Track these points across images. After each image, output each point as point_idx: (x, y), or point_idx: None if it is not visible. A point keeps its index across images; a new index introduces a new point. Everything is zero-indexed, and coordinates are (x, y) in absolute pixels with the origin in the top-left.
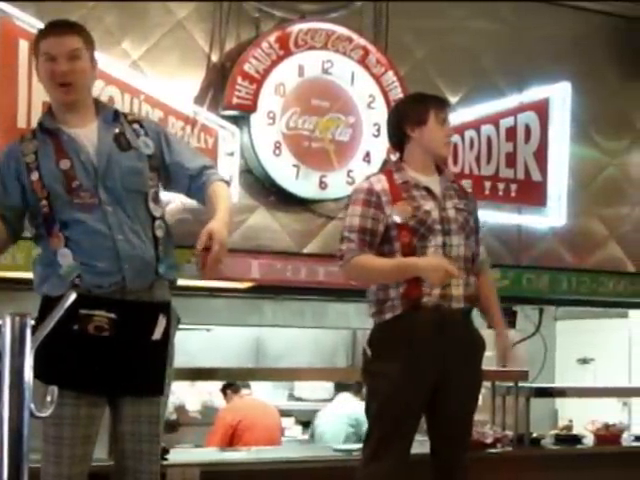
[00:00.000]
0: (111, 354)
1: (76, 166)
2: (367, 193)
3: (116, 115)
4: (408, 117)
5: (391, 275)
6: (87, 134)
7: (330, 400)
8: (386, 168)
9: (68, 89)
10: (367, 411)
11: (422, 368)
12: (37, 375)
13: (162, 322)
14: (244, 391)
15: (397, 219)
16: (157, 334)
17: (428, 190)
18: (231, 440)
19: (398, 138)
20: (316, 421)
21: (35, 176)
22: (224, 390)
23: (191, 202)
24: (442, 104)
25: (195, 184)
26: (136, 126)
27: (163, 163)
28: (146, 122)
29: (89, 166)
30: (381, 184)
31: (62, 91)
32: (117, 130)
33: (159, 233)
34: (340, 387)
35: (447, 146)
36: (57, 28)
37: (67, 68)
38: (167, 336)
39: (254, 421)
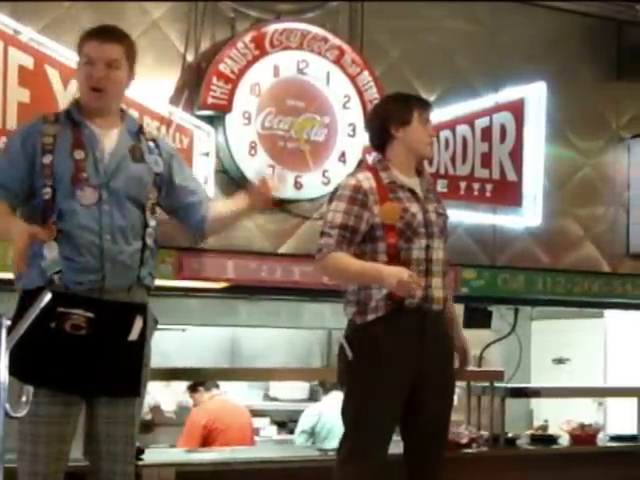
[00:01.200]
0: (87, 353)
1: (88, 160)
2: (354, 190)
3: (140, 129)
4: (392, 117)
5: (360, 278)
6: (107, 136)
7: (307, 400)
8: (370, 166)
9: (100, 95)
10: (344, 412)
11: (403, 370)
12: (13, 373)
13: (139, 323)
14: (214, 391)
15: (385, 220)
16: (133, 335)
17: (412, 192)
18: (204, 442)
19: (381, 138)
20: (318, 418)
21: (48, 159)
22: (193, 389)
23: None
24: (425, 104)
25: (196, 210)
26: (151, 144)
27: (171, 182)
28: (162, 142)
29: (100, 164)
30: (369, 182)
31: (93, 96)
32: (135, 142)
33: (148, 240)
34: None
35: (430, 146)
36: (102, 34)
37: (103, 74)
38: (143, 337)
39: (227, 422)
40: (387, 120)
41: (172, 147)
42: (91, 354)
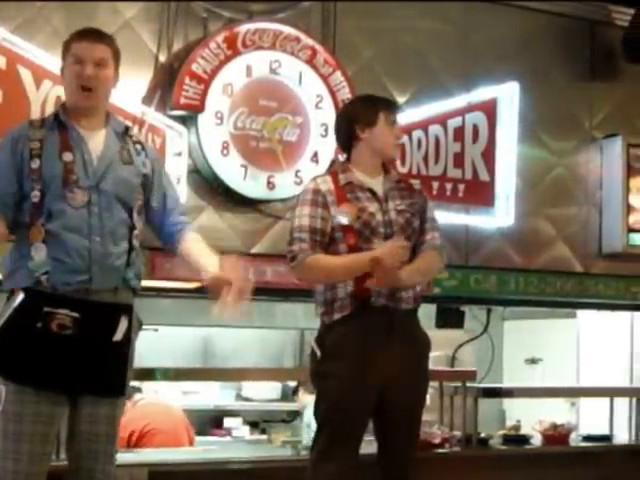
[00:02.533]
0: (73, 353)
1: (77, 162)
2: (313, 193)
3: (126, 130)
4: (358, 118)
5: (348, 271)
6: (94, 138)
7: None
8: (332, 169)
9: (89, 94)
10: (316, 412)
11: (371, 368)
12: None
13: (124, 324)
14: (136, 397)
15: (342, 221)
16: (118, 335)
17: (372, 192)
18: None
19: (347, 139)
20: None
21: (36, 164)
22: None
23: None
24: (391, 106)
25: (172, 219)
26: (138, 146)
27: (152, 186)
28: (147, 146)
29: (89, 166)
30: (327, 185)
31: (83, 95)
32: (123, 144)
33: (135, 242)
34: None
35: (396, 148)
36: (91, 35)
37: (93, 73)
38: (128, 338)
39: (159, 425)
40: (353, 121)
41: (157, 152)
42: (77, 354)
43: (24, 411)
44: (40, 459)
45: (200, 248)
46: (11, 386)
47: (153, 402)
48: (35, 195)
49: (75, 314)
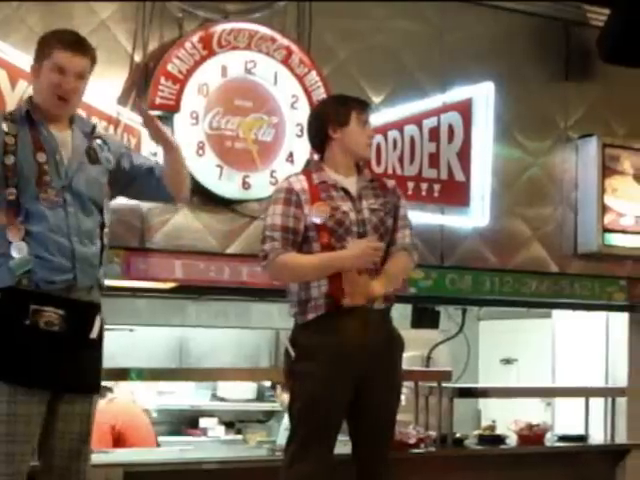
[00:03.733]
0: (58, 350)
1: (50, 162)
2: (287, 192)
3: (93, 130)
4: (330, 118)
5: (318, 271)
6: (62, 138)
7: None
8: (306, 168)
9: (65, 104)
10: (290, 412)
11: (345, 368)
12: None
13: (98, 322)
14: (109, 395)
15: (316, 220)
16: (94, 333)
17: (345, 191)
18: (115, 444)
19: (319, 139)
20: None
21: (10, 160)
22: None
23: (114, 202)
24: (363, 106)
25: (153, 179)
26: (100, 142)
27: (125, 170)
28: (110, 139)
29: (60, 167)
30: (300, 184)
31: (59, 104)
32: (90, 143)
33: (106, 241)
34: None
35: (368, 147)
36: (76, 46)
37: (73, 86)
38: (101, 336)
39: (130, 423)
40: (325, 121)
41: (121, 143)
42: (61, 351)
43: (18, 412)
44: (28, 459)
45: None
46: (3, 387)
47: (125, 402)
48: (11, 193)
49: (61, 311)
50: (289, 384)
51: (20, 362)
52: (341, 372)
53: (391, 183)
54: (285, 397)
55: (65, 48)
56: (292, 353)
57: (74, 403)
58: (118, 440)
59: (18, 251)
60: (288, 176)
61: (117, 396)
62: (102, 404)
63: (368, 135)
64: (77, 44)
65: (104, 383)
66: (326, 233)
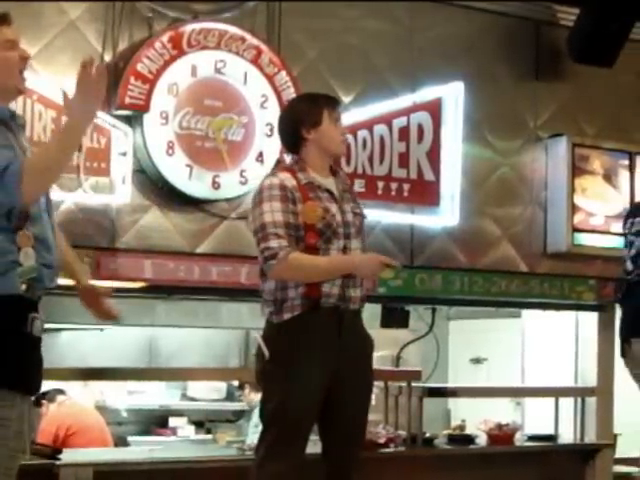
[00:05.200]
0: (40, 355)
1: None
2: (281, 189)
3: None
4: (302, 119)
5: (329, 273)
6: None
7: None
8: (287, 167)
9: (23, 77)
10: (262, 412)
11: (320, 369)
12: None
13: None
14: (59, 399)
15: (307, 220)
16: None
17: (330, 192)
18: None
19: (293, 141)
20: None
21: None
22: (36, 404)
23: (83, 202)
24: (334, 103)
25: None
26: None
27: None
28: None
29: None
30: (290, 181)
31: (22, 79)
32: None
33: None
34: None
35: (343, 144)
36: (7, 16)
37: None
38: None
39: (81, 425)
40: (298, 123)
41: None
42: (40, 355)
43: (12, 416)
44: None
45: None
46: (14, 395)
47: (77, 403)
48: None
49: (42, 316)
50: (262, 384)
51: (25, 371)
52: (315, 372)
53: (362, 190)
54: (253, 397)
55: (5, 22)
56: (266, 353)
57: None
58: (64, 443)
59: (27, 258)
60: (273, 173)
61: (69, 398)
62: (53, 407)
63: (341, 132)
64: (6, 15)
65: (57, 385)
66: (314, 234)
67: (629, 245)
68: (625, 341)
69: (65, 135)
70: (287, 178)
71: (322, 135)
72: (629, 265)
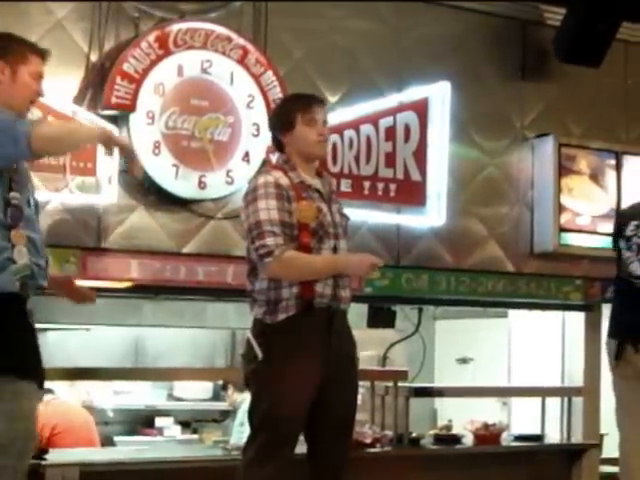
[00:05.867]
0: None
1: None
2: (276, 187)
3: None
4: (277, 124)
5: (323, 272)
6: None
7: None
8: (276, 165)
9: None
10: (251, 413)
11: (313, 369)
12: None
13: None
14: (47, 397)
15: (302, 219)
16: None
17: (319, 192)
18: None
19: (276, 144)
20: None
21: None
22: None
23: (69, 201)
24: (308, 104)
25: None
26: None
27: None
28: None
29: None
30: (284, 180)
31: (29, 109)
32: None
33: None
34: None
35: (320, 145)
36: (45, 53)
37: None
38: None
39: (68, 425)
40: (275, 129)
41: None
42: None
43: (23, 408)
44: None
45: None
46: (18, 383)
47: (65, 403)
48: (15, 197)
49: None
50: (253, 385)
51: (38, 362)
52: (308, 373)
53: (349, 189)
54: (236, 397)
55: (44, 57)
56: (259, 353)
57: None
58: (50, 443)
59: (20, 256)
60: (266, 171)
61: (56, 397)
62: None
63: (317, 132)
64: (45, 51)
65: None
66: (307, 233)
67: (637, 248)
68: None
69: (82, 128)
70: (281, 177)
71: (296, 138)
72: (637, 269)
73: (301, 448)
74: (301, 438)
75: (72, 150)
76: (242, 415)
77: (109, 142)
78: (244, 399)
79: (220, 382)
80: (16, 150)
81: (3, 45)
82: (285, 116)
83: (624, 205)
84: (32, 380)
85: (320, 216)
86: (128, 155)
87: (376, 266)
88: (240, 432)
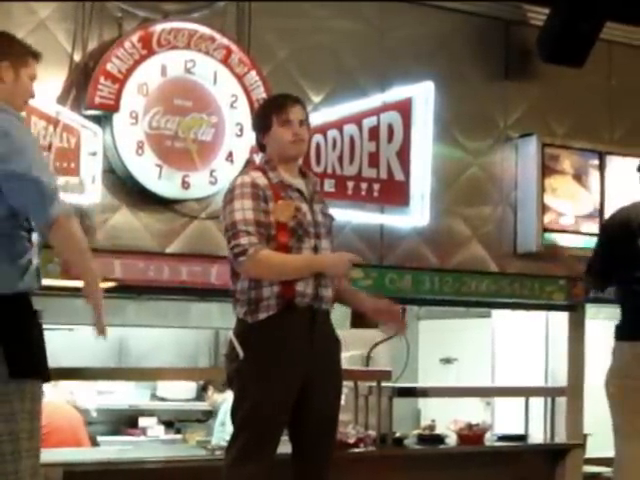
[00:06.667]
0: None
1: None
2: (253, 187)
3: None
4: (256, 126)
5: (299, 271)
6: None
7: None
8: (258, 166)
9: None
10: (234, 412)
11: (294, 368)
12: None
13: None
14: None
15: (280, 218)
16: None
17: (300, 192)
18: None
19: (259, 145)
20: None
21: None
22: None
23: None
24: (283, 104)
25: None
26: None
27: None
28: None
29: None
30: (262, 180)
31: (24, 107)
32: None
33: None
34: None
35: (295, 145)
36: (39, 56)
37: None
38: None
39: (58, 424)
40: (255, 130)
41: None
42: None
43: (39, 408)
44: None
45: None
46: (36, 384)
47: (51, 402)
48: None
49: None
50: (235, 384)
51: (46, 363)
52: (290, 372)
53: (332, 189)
54: (216, 398)
55: (36, 59)
56: (240, 353)
57: None
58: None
59: (35, 257)
60: (244, 172)
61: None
62: None
63: (292, 132)
64: (40, 55)
65: None
66: (285, 232)
67: None
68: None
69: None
70: (259, 177)
71: (273, 139)
72: None
73: (287, 448)
74: (286, 438)
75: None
76: (223, 415)
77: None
78: (224, 399)
79: (204, 382)
80: (39, 214)
81: (8, 45)
82: (262, 118)
83: (608, 205)
84: (46, 381)
85: (299, 215)
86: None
87: (353, 263)
88: (221, 432)
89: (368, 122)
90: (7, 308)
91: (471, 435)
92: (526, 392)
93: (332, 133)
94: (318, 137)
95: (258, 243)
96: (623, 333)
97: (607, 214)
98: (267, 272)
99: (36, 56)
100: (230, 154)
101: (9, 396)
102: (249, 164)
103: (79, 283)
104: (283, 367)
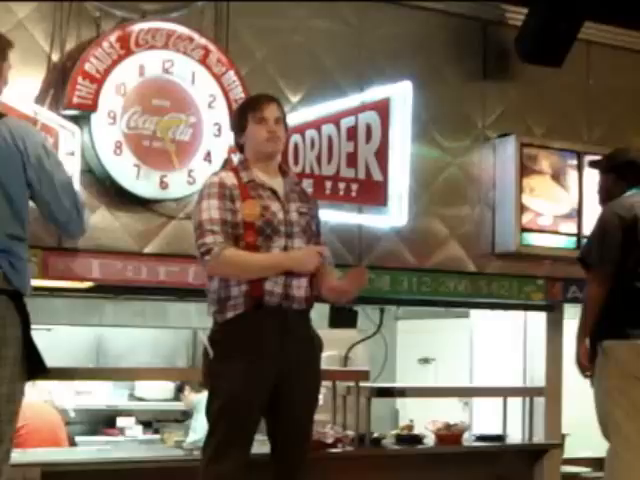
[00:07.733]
0: None
1: None
2: (220, 187)
3: None
4: (233, 127)
5: (264, 269)
6: None
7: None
8: (231, 166)
9: None
10: (208, 411)
11: (264, 368)
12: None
13: None
14: None
15: (246, 217)
16: None
17: (273, 191)
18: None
19: (237, 146)
20: None
21: None
22: None
23: (31, 202)
24: (257, 103)
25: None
26: None
27: None
28: None
29: None
30: (231, 179)
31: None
32: None
33: None
34: None
35: (269, 142)
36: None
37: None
38: None
39: (36, 424)
40: (233, 132)
41: None
42: None
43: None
44: None
45: None
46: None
47: (29, 403)
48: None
49: None
50: (208, 383)
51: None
52: (259, 371)
53: (309, 191)
54: (192, 398)
55: (10, 47)
56: (210, 352)
57: None
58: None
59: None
60: (215, 172)
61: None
62: None
63: (267, 130)
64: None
65: None
66: (253, 232)
67: None
68: None
69: None
70: (228, 176)
71: (248, 138)
72: None
73: (265, 447)
74: (265, 437)
75: None
76: (200, 415)
77: None
78: (200, 399)
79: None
80: (76, 223)
81: None
82: (238, 118)
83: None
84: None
85: (267, 214)
86: None
87: (321, 253)
88: (200, 432)
89: (346, 122)
90: (25, 308)
91: (449, 435)
92: (504, 392)
93: (310, 133)
94: (296, 137)
95: (223, 242)
96: (622, 332)
97: (585, 214)
98: (231, 271)
99: (10, 45)
100: (208, 154)
101: (15, 396)
102: (227, 163)
103: (58, 283)
104: (251, 366)
